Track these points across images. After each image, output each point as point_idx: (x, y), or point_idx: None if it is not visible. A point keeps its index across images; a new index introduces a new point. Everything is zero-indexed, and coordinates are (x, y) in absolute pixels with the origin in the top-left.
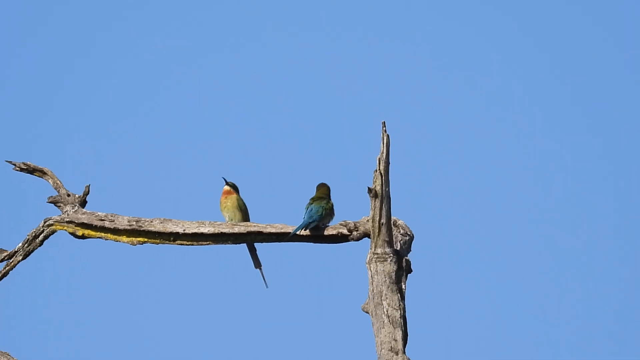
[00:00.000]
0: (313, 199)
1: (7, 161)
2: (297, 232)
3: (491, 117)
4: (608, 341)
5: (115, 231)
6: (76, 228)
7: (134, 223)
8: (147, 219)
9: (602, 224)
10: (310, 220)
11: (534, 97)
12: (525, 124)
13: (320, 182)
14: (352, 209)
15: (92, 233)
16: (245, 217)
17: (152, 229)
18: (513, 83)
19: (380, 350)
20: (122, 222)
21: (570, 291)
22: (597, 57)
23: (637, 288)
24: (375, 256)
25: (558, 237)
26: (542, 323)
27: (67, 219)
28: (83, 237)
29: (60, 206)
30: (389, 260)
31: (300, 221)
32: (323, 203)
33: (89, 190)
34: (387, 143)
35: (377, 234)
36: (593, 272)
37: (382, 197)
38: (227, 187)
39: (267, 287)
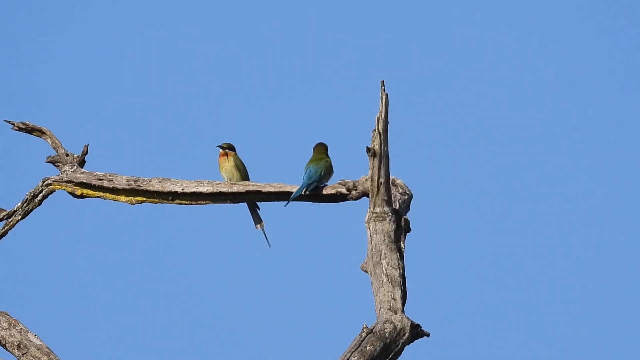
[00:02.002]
0: (311, 160)
1: (5, 121)
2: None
3: (492, 74)
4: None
5: (114, 190)
6: (75, 187)
7: (133, 182)
8: (146, 179)
9: (607, 196)
10: (310, 182)
11: (538, 51)
12: (527, 79)
13: (318, 142)
14: (351, 168)
15: (91, 192)
16: (244, 176)
17: (151, 188)
18: (516, 39)
19: (380, 309)
20: (121, 182)
21: (570, 250)
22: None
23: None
24: (374, 215)
25: (558, 193)
26: (540, 279)
27: (66, 179)
28: (82, 196)
29: (59, 166)
30: (387, 219)
31: (300, 182)
32: (321, 162)
33: (87, 150)
34: (385, 102)
35: (375, 193)
36: (591, 235)
37: (381, 156)
38: (222, 151)
39: (269, 245)
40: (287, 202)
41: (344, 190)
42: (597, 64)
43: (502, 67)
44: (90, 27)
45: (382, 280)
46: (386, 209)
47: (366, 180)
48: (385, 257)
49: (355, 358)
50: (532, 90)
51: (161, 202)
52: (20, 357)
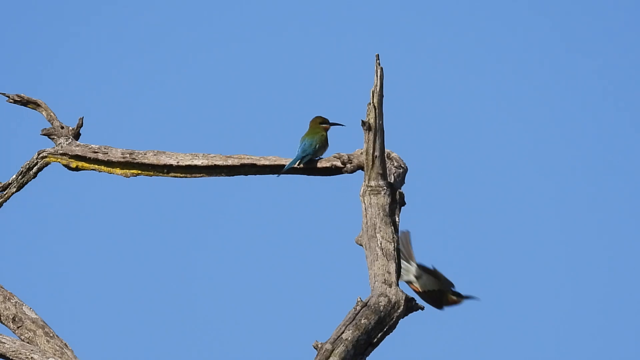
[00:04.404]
0: (307, 133)
1: (0, 93)
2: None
3: (491, 48)
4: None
5: (109, 163)
6: (70, 160)
7: (128, 155)
8: (141, 152)
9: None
10: (303, 155)
11: (538, 28)
12: (526, 53)
13: (315, 115)
14: (346, 141)
15: (86, 165)
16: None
17: (146, 161)
18: (514, 15)
19: (374, 283)
20: (116, 155)
21: (563, 225)
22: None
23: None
24: (369, 189)
25: (556, 169)
26: (535, 250)
27: (61, 151)
28: (77, 169)
29: (54, 138)
30: (382, 193)
31: (294, 155)
32: (316, 136)
33: (82, 123)
34: (380, 76)
35: (370, 167)
36: (588, 201)
37: (376, 129)
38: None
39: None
40: (278, 174)
41: (338, 164)
42: (600, 59)
43: (501, 42)
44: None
45: (377, 254)
46: (381, 182)
47: (361, 153)
48: (380, 231)
49: (350, 331)
50: (532, 65)
51: (156, 175)
52: (15, 330)
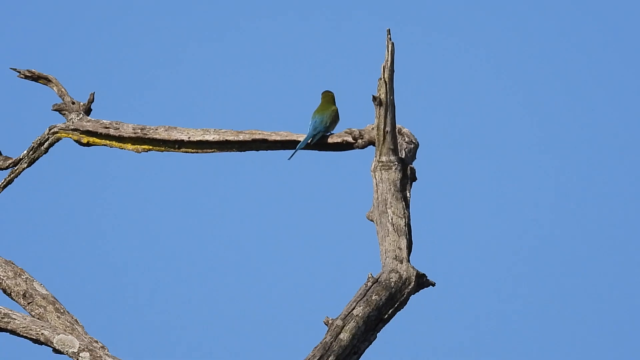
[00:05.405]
0: (317, 110)
1: (11, 68)
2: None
3: (504, 20)
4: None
5: (120, 139)
6: (81, 136)
7: (139, 131)
8: (152, 127)
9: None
10: (315, 133)
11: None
12: (538, 23)
13: (325, 89)
14: (357, 117)
15: (97, 141)
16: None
17: (157, 136)
18: None
19: (385, 259)
20: (127, 130)
21: (577, 200)
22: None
23: None
24: (380, 164)
25: (571, 146)
26: (547, 229)
27: (72, 127)
28: (88, 144)
29: (65, 114)
30: (393, 168)
31: (306, 131)
32: (327, 112)
33: (93, 98)
34: (391, 51)
35: (382, 142)
36: (596, 169)
37: (387, 105)
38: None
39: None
40: (291, 155)
41: (350, 139)
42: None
43: (518, 16)
44: None
45: (388, 230)
46: (392, 157)
47: (372, 129)
48: (391, 206)
49: (361, 307)
50: (551, 41)
51: (167, 151)
52: (26, 306)
